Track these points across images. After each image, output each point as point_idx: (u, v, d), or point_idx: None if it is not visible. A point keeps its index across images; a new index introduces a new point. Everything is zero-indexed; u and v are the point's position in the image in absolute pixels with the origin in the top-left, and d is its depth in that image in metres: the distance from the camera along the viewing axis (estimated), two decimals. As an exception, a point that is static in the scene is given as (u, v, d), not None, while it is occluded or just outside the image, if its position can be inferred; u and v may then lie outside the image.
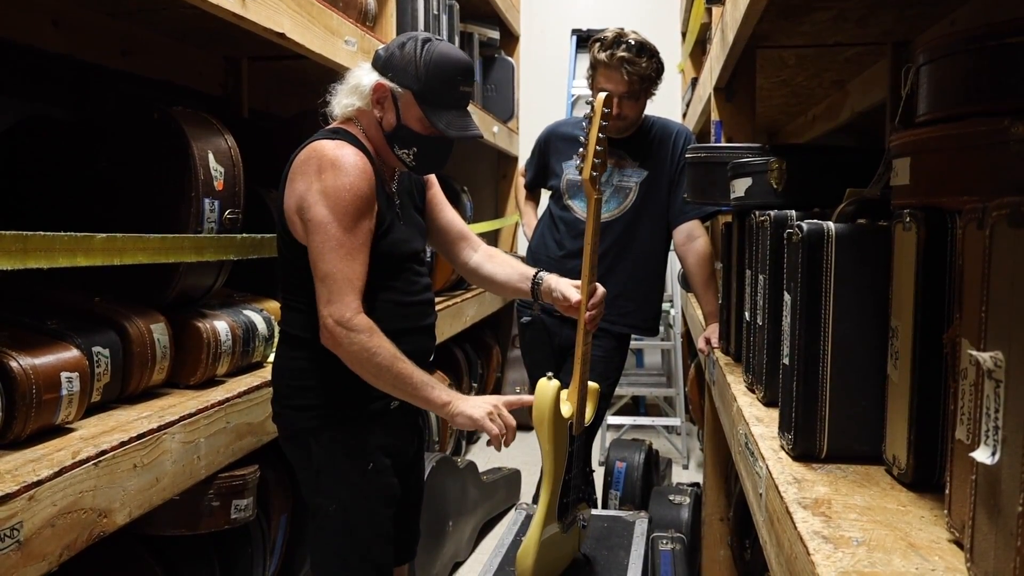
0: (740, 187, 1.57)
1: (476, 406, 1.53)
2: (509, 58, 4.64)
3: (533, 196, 2.72)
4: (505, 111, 4.53)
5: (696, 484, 2.76)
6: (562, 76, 4.96)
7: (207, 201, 1.49)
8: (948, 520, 0.83)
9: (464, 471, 2.79)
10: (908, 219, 0.98)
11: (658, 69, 2.20)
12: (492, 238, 5.03)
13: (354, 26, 2.08)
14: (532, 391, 2.39)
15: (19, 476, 1.06)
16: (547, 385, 1.66)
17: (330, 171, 1.39)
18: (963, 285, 0.81)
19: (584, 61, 5.06)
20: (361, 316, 1.39)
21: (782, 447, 1.16)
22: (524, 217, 2.69)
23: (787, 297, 1.16)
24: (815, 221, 1.11)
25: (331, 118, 1.56)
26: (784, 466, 1.09)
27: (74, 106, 1.93)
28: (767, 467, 1.11)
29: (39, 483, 1.05)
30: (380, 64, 1.50)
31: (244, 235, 1.60)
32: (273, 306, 1.90)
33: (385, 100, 1.48)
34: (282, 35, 1.66)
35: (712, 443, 2.44)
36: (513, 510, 2.27)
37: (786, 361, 1.16)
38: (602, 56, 2.14)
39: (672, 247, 2.39)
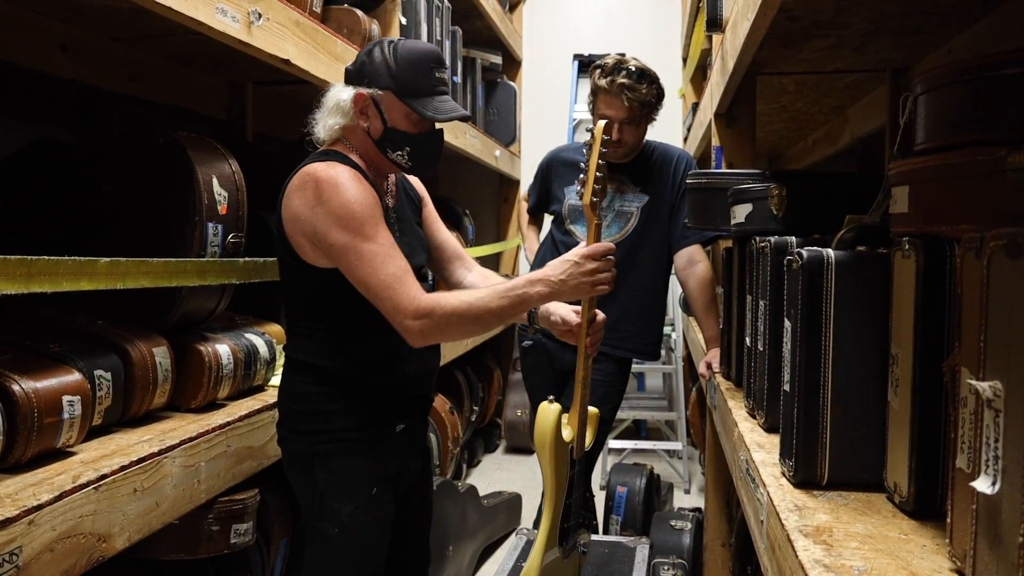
0: (740, 213, 1.58)
1: (575, 287, 1.51)
2: (511, 83, 4.69)
3: (536, 221, 2.73)
4: (507, 135, 4.57)
5: (698, 509, 2.74)
6: (564, 101, 5.00)
7: (211, 225, 1.50)
8: (950, 549, 0.82)
9: (465, 495, 2.77)
10: (907, 247, 0.99)
11: (658, 95, 2.23)
12: (494, 261, 5.04)
13: (357, 51, 2.11)
14: (533, 414, 2.39)
15: (19, 500, 1.06)
16: (548, 409, 1.66)
17: (328, 191, 1.41)
18: (962, 314, 0.81)
19: (586, 86, 5.13)
20: (422, 300, 1.40)
21: (783, 474, 1.16)
22: (526, 241, 2.70)
23: (787, 323, 1.16)
24: (815, 248, 1.11)
25: (317, 144, 1.57)
26: (785, 493, 1.09)
27: (82, 130, 1.96)
28: (768, 494, 1.10)
29: (39, 507, 1.05)
30: (353, 77, 1.52)
31: (246, 259, 1.61)
32: (275, 329, 1.91)
33: (368, 108, 1.50)
34: (287, 61, 1.68)
35: (713, 468, 2.43)
36: (514, 535, 2.25)
37: (787, 387, 1.16)
38: (602, 82, 2.17)
39: (673, 271, 2.40)
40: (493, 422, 4.79)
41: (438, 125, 1.57)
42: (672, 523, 2.37)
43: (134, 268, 1.24)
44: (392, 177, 1.63)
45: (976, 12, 1.69)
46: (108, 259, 1.19)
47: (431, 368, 1.68)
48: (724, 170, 1.81)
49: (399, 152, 1.52)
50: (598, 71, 2.20)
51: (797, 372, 1.11)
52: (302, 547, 1.99)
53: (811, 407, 1.10)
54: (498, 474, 4.26)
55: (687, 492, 3.96)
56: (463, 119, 1.53)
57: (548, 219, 2.65)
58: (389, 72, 1.47)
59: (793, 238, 1.41)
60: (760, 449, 1.31)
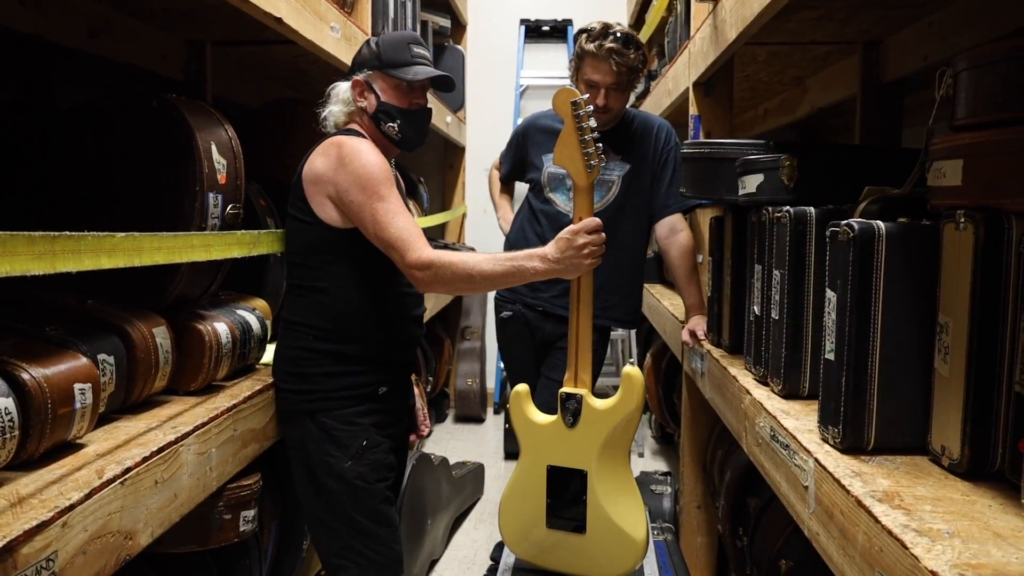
0: (751, 183, 1.59)
1: (569, 265, 1.65)
2: (459, 47, 4.58)
3: (507, 189, 2.69)
4: (455, 101, 4.48)
5: (668, 473, 2.81)
6: (510, 66, 4.93)
7: (211, 195, 1.40)
8: (1027, 509, 0.86)
9: (438, 468, 2.75)
10: (963, 220, 1.02)
11: (643, 61, 2.21)
12: (439, 231, 4.97)
13: (338, 12, 2.00)
14: (513, 384, 2.39)
15: (47, 500, 0.98)
16: (515, 392, 1.88)
17: (351, 156, 1.59)
18: (1047, 285, 0.84)
19: (532, 51, 5.08)
20: (427, 253, 1.56)
21: (825, 440, 1.19)
22: (500, 210, 2.65)
23: (830, 294, 1.18)
24: (864, 220, 1.13)
25: (329, 131, 1.74)
26: (836, 459, 1.12)
27: (38, 89, 1.78)
28: (816, 460, 1.13)
29: (71, 508, 0.97)
30: (350, 71, 1.75)
31: (244, 231, 1.51)
32: (262, 304, 1.82)
33: (364, 90, 1.71)
34: (279, 20, 1.57)
35: (690, 433, 2.48)
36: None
37: (830, 356, 1.18)
38: (590, 47, 2.13)
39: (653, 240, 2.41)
40: (443, 392, 4.77)
41: (430, 105, 1.80)
42: (652, 488, 2.41)
43: (148, 243, 1.15)
44: (391, 163, 1.76)
45: (963, -12, 1.75)
46: (124, 234, 1.09)
47: (416, 336, 1.85)
48: (728, 140, 1.82)
49: (391, 124, 1.71)
50: (585, 35, 2.16)
51: (845, 341, 1.13)
52: (291, 529, 1.94)
53: (860, 375, 1.12)
54: (452, 443, 4.25)
55: (641, 456, 4.06)
56: (440, 79, 1.73)
57: (521, 187, 2.62)
58: (375, 55, 1.70)
59: (812, 209, 1.43)
60: (787, 416, 1.34)
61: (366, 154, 1.60)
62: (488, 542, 2.92)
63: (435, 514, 2.68)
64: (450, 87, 1.79)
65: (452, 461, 3.28)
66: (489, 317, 4.98)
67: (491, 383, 4.93)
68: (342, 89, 1.73)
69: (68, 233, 0.98)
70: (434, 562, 2.76)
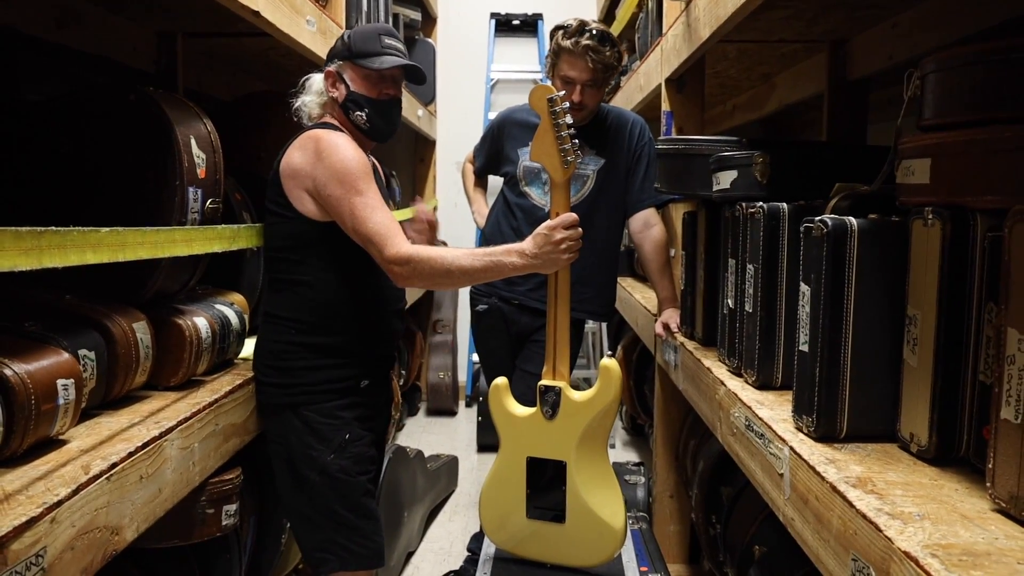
0: (725, 179, 1.63)
1: (547, 261, 1.67)
2: (429, 40, 4.57)
3: (481, 183, 2.70)
4: (427, 94, 4.47)
5: (640, 464, 2.86)
6: (480, 60, 4.93)
7: (191, 190, 1.39)
8: (992, 492, 0.91)
9: (414, 460, 2.76)
10: (931, 216, 1.06)
11: (619, 58, 2.24)
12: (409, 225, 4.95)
13: (313, 5, 2.00)
14: (489, 380, 2.41)
15: (34, 497, 0.97)
16: (496, 385, 1.90)
17: (328, 150, 1.59)
18: (1010, 278, 0.89)
19: (503, 45, 5.09)
20: (406, 248, 1.58)
21: (799, 429, 1.23)
22: (474, 204, 2.66)
23: (804, 288, 1.22)
24: (837, 216, 1.17)
25: (304, 122, 1.75)
26: (810, 447, 1.16)
27: (4, 81, 1.75)
28: (791, 448, 1.17)
29: (59, 503, 0.97)
30: (325, 63, 1.76)
31: (225, 226, 1.51)
32: (239, 299, 1.81)
33: (335, 80, 1.72)
34: (256, 13, 1.56)
35: (663, 423, 2.53)
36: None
37: (804, 348, 1.22)
38: (567, 43, 2.16)
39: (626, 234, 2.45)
40: (414, 385, 4.77)
41: (402, 96, 1.79)
42: (626, 478, 2.46)
43: (132, 238, 1.14)
44: (371, 157, 1.77)
45: (927, -10, 1.81)
46: (108, 229, 1.08)
47: (397, 329, 1.87)
48: (702, 137, 1.85)
49: (359, 113, 1.70)
50: (561, 32, 2.18)
51: (819, 333, 1.17)
52: (268, 524, 1.94)
53: (833, 366, 1.17)
54: (424, 437, 4.26)
55: (612, 447, 4.11)
56: (411, 70, 1.73)
57: (495, 180, 2.63)
58: (346, 47, 1.70)
59: (785, 205, 1.47)
60: (762, 406, 1.38)
61: (344, 148, 1.60)
62: (463, 533, 2.95)
63: (411, 506, 2.70)
64: (421, 79, 1.79)
65: (426, 454, 3.29)
66: (461, 310, 4.99)
67: (463, 376, 4.94)
68: (316, 80, 1.75)
69: (54, 228, 0.97)
70: (410, 554, 2.77)
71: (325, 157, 1.58)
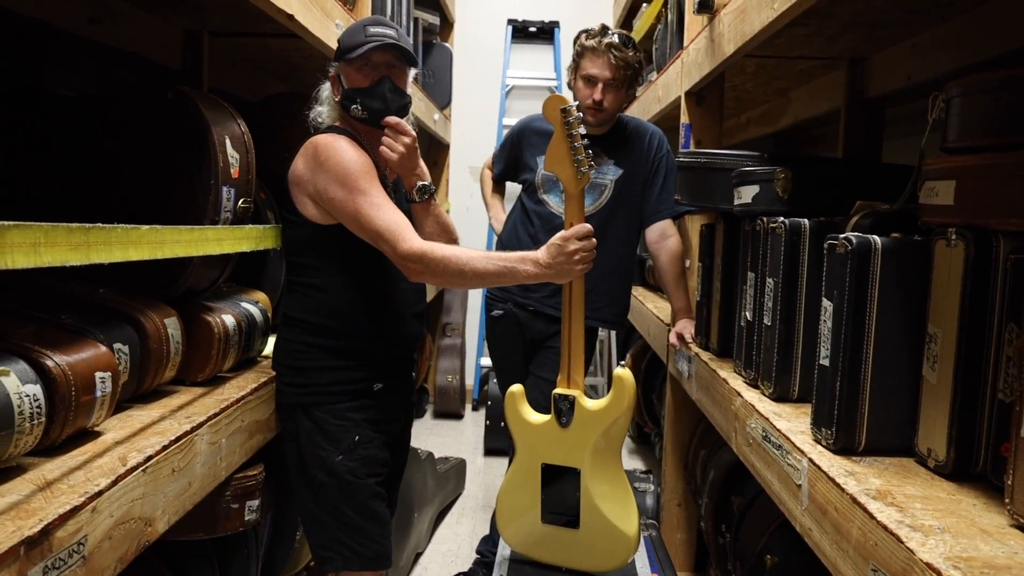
0: (747, 194, 1.65)
1: (560, 271, 1.66)
2: (446, 44, 4.61)
3: (499, 189, 2.73)
4: (443, 98, 4.50)
5: (648, 471, 2.87)
6: (496, 66, 4.97)
7: (225, 189, 1.42)
8: (1011, 507, 0.93)
9: (424, 462, 2.79)
10: (954, 237, 1.09)
11: (641, 63, 2.27)
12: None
13: (342, 8, 2.03)
14: (503, 384, 2.42)
15: (76, 486, 1.00)
16: (510, 393, 1.89)
17: (326, 154, 1.60)
18: (1034, 301, 0.91)
19: (519, 52, 5.12)
20: (418, 244, 1.57)
21: (818, 441, 1.25)
22: (491, 210, 2.69)
23: (827, 303, 1.24)
24: (861, 234, 1.19)
25: (317, 128, 1.76)
26: (829, 459, 1.18)
27: (31, 75, 1.77)
28: (810, 460, 1.19)
29: (99, 493, 0.99)
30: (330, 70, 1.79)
31: (252, 226, 1.54)
32: (263, 297, 1.84)
33: (336, 84, 1.74)
34: (291, 16, 1.59)
35: (673, 432, 2.55)
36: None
37: (825, 362, 1.25)
38: (590, 43, 2.19)
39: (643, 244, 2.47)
40: (422, 387, 4.79)
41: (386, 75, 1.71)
42: (637, 485, 2.48)
43: (170, 236, 1.17)
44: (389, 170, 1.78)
45: (947, 12, 1.83)
46: (148, 227, 1.11)
47: (417, 333, 1.86)
48: (724, 151, 1.88)
49: (355, 106, 1.69)
50: (584, 34, 2.23)
51: (840, 348, 1.20)
52: (283, 520, 1.96)
53: (853, 380, 1.19)
54: (431, 439, 4.28)
55: (617, 453, 4.13)
56: (397, 49, 1.67)
57: (512, 187, 2.66)
58: (338, 48, 1.71)
59: (806, 220, 1.50)
60: (780, 418, 1.40)
61: (341, 150, 1.60)
62: (471, 536, 2.97)
63: (421, 507, 2.72)
64: (412, 60, 1.73)
65: (444, 457, 3.32)
66: (470, 314, 5.02)
67: (471, 380, 4.96)
68: (324, 89, 1.78)
69: (100, 225, 1.00)
70: (418, 555, 2.79)
71: (323, 161, 1.59)
